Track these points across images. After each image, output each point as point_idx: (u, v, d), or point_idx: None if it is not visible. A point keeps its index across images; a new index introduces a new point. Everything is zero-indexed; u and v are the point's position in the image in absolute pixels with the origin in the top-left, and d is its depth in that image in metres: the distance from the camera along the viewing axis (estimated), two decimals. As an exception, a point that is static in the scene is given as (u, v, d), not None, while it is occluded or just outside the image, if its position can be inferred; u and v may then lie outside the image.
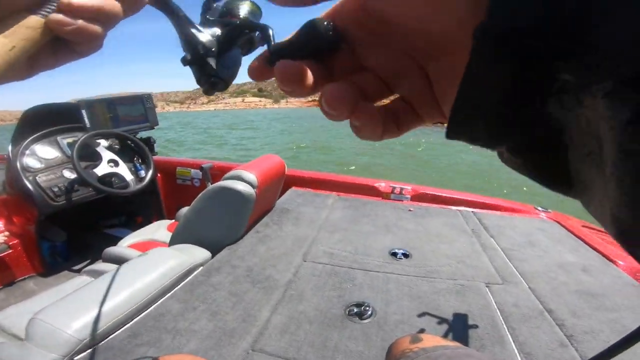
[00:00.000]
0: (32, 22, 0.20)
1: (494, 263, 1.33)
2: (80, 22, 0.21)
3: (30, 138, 1.80)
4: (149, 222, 2.13)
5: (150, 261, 1.18)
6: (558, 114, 0.13)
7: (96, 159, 1.90)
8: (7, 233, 1.72)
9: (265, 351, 0.89)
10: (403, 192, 2.10)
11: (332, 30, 0.17)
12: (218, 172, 2.31)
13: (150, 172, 2.07)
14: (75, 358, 0.86)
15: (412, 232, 1.60)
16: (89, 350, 0.88)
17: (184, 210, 1.83)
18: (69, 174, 1.82)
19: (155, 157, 2.23)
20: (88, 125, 1.98)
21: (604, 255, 1.38)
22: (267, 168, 1.61)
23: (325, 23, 0.17)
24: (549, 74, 0.12)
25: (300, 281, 1.20)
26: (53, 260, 1.98)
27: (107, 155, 1.94)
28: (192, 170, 2.49)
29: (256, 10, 0.37)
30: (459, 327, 0.99)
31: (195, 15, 0.35)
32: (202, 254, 1.34)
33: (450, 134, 0.15)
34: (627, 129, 0.10)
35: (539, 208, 1.91)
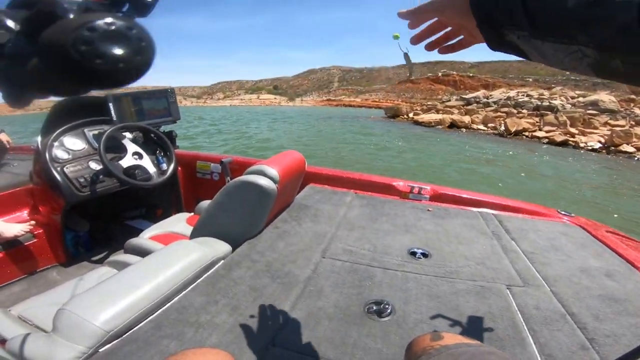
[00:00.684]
0: None
1: (515, 266, 1.31)
2: None
3: (59, 130, 1.85)
4: (169, 214, 2.17)
5: (174, 253, 1.20)
6: (517, 42, 0.36)
7: (121, 151, 1.94)
8: (32, 222, 1.75)
9: (285, 346, 0.89)
10: (422, 192, 2.08)
11: None
12: (237, 167, 2.34)
13: (172, 165, 2.10)
14: (100, 350, 0.85)
15: (431, 232, 1.59)
16: (114, 342, 0.88)
17: (204, 203, 1.85)
18: (95, 165, 1.86)
19: (176, 151, 2.27)
20: (114, 118, 2.03)
21: (628, 261, 1.35)
22: (288, 164, 1.61)
23: None
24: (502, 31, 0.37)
25: (320, 278, 1.21)
26: (76, 251, 2.03)
27: (132, 147, 1.99)
28: (212, 164, 2.52)
29: None
30: (478, 327, 0.98)
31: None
32: (223, 247, 1.35)
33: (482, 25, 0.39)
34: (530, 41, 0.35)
35: (562, 212, 1.86)
